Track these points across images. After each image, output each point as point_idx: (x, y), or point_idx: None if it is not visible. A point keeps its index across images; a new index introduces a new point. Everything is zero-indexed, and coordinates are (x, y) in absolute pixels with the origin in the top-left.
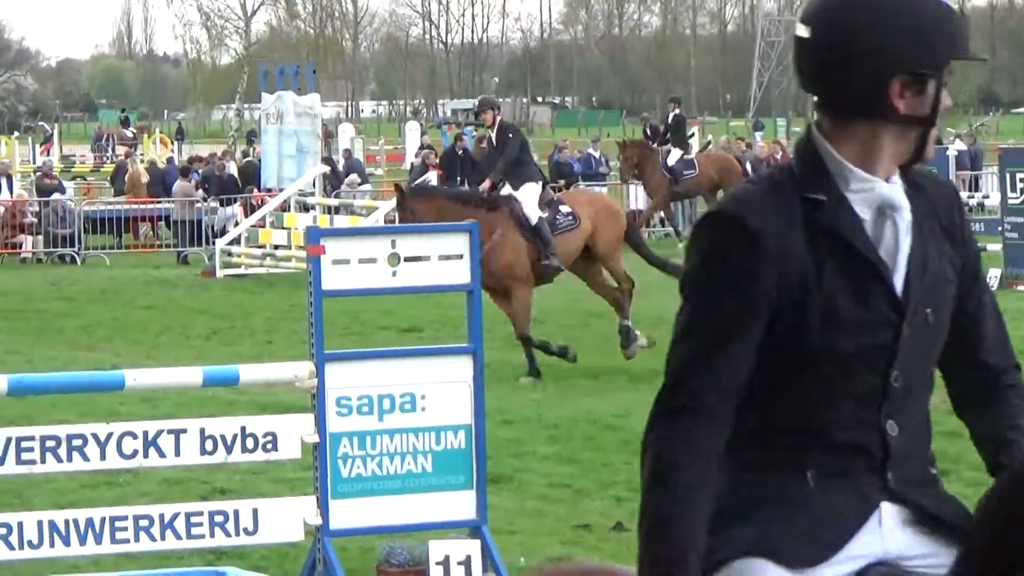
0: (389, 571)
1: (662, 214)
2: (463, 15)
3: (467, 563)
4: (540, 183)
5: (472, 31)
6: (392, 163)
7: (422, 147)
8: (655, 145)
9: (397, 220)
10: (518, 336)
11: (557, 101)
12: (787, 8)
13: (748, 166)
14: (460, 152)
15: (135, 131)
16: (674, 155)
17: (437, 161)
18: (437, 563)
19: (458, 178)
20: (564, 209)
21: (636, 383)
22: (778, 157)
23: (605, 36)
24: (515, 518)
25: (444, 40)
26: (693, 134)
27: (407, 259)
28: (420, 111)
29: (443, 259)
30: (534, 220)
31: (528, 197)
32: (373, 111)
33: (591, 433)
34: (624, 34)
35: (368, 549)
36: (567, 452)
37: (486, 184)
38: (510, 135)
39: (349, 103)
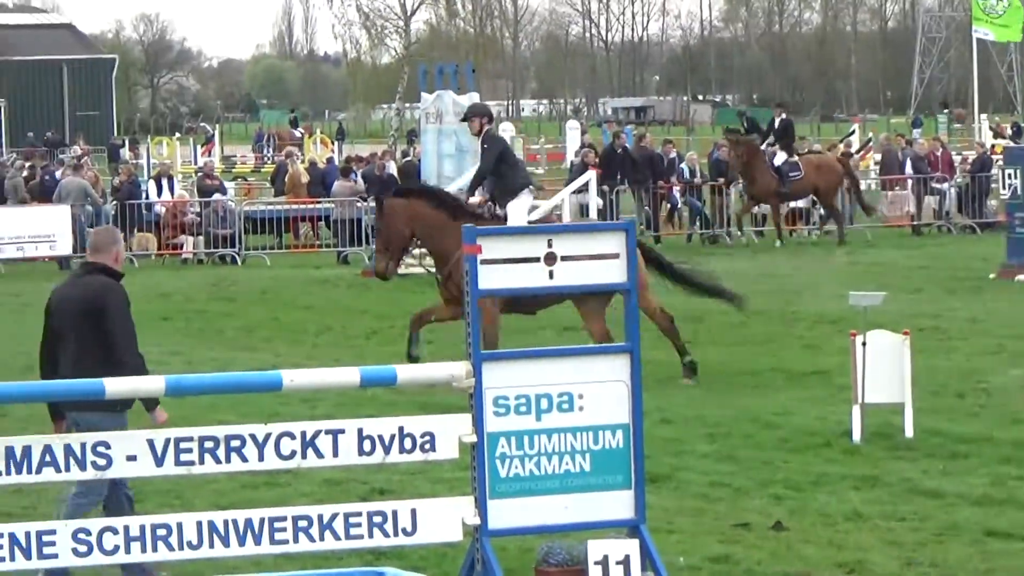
0: (548, 571)
1: (822, 211)
2: (623, 13)
3: (626, 562)
4: (529, 190)
5: (632, 29)
6: (553, 162)
7: (582, 146)
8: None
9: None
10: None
11: (717, 99)
12: (948, 4)
13: (908, 163)
14: (619, 151)
15: (303, 131)
16: (780, 156)
17: (596, 160)
18: (596, 563)
19: (618, 176)
20: None
21: (794, 381)
22: (938, 154)
23: (765, 33)
24: (674, 517)
25: (604, 38)
26: (854, 131)
27: (563, 258)
28: (581, 109)
29: (599, 258)
30: None
31: (516, 213)
32: (533, 110)
33: (750, 431)
34: (784, 31)
35: (527, 549)
36: (726, 450)
37: (475, 198)
38: (485, 146)
39: (509, 102)
